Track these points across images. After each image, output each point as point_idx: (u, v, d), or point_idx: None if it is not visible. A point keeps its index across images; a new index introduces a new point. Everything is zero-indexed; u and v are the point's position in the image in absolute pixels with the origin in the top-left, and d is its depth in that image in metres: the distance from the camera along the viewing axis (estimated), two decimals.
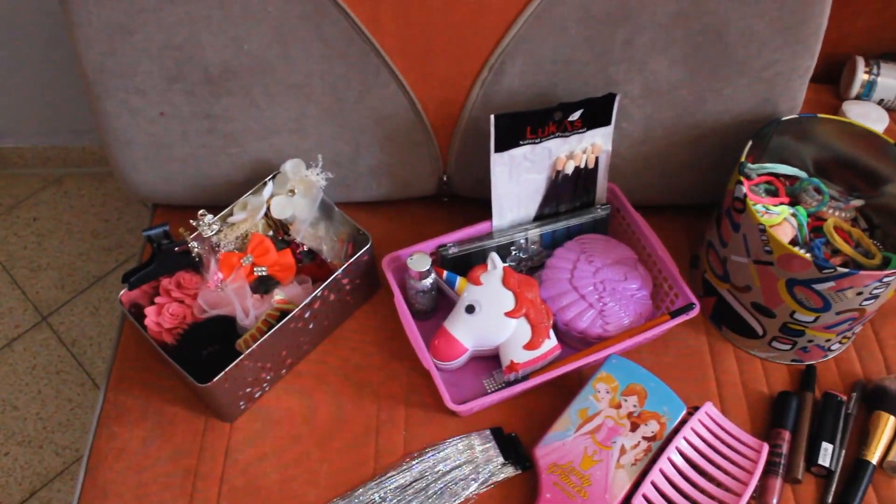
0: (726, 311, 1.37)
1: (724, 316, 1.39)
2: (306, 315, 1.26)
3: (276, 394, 1.31)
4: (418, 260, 1.28)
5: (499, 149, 1.28)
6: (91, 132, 2.12)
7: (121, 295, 1.27)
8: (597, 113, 1.29)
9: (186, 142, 1.37)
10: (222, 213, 1.34)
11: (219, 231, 1.32)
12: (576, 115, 1.28)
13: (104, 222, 2.16)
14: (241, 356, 1.19)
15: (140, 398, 1.32)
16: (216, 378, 1.17)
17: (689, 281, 1.35)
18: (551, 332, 1.29)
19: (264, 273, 1.30)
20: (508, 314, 1.28)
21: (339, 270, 1.27)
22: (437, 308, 1.38)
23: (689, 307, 1.29)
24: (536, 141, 1.29)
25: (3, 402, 1.92)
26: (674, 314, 1.29)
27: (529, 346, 1.27)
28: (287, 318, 1.23)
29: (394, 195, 1.48)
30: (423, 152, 1.40)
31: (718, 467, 1.20)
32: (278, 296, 1.26)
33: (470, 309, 1.28)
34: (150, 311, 1.28)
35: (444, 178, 1.45)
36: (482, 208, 1.42)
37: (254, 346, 1.20)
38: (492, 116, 1.23)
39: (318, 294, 1.26)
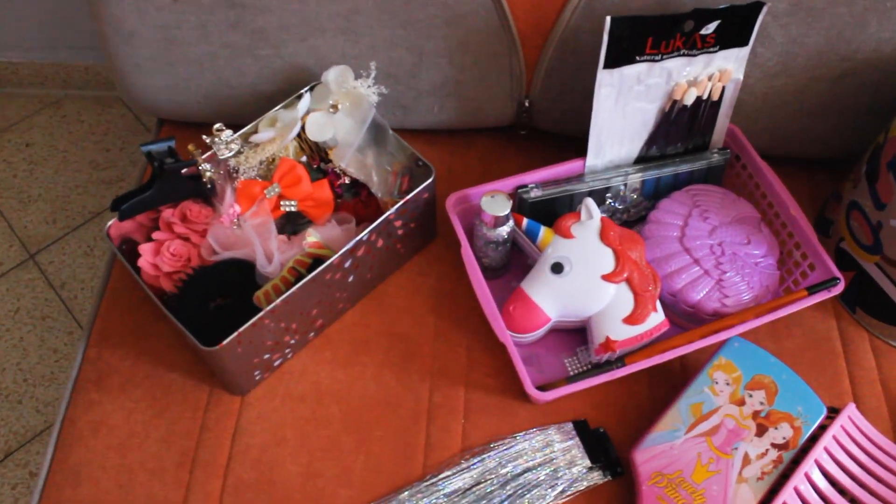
0: (868, 289, 1.05)
1: (862, 296, 1.07)
2: (346, 264, 0.95)
3: (301, 362, 1.00)
4: (496, 201, 0.96)
5: (609, 64, 0.96)
6: (96, 49, 1.79)
7: (108, 226, 0.96)
8: (735, 28, 0.97)
9: (204, 37, 1.05)
10: (244, 130, 1.02)
11: (238, 152, 1.01)
12: (711, 28, 0.96)
13: (105, 152, 1.85)
14: (260, 313, 0.88)
15: (128, 359, 1.01)
16: (226, 340, 0.86)
17: None
18: (658, 304, 0.98)
19: (294, 208, 0.99)
20: (606, 277, 0.97)
21: (392, 209, 0.96)
22: (508, 265, 1.07)
23: (832, 282, 0.98)
24: (657, 58, 0.97)
25: None
26: (812, 289, 0.98)
27: (631, 320, 0.96)
28: (322, 268, 0.91)
29: (460, 122, 1.15)
30: (503, 68, 1.08)
31: (868, 489, 0.90)
32: (311, 238, 0.95)
33: (557, 268, 0.97)
34: (145, 250, 0.98)
35: (526, 104, 1.12)
36: (566, 147, 1.10)
37: (277, 302, 0.89)
38: (607, 18, 0.91)
39: (364, 238, 0.94)
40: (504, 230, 0.98)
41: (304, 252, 0.95)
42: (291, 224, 1.03)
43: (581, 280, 0.97)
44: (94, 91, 1.92)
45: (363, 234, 0.94)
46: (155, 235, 0.99)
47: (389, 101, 1.09)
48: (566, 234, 0.98)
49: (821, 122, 1.12)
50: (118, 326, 1.04)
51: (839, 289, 0.99)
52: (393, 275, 1.07)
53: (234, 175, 1.01)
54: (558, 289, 0.97)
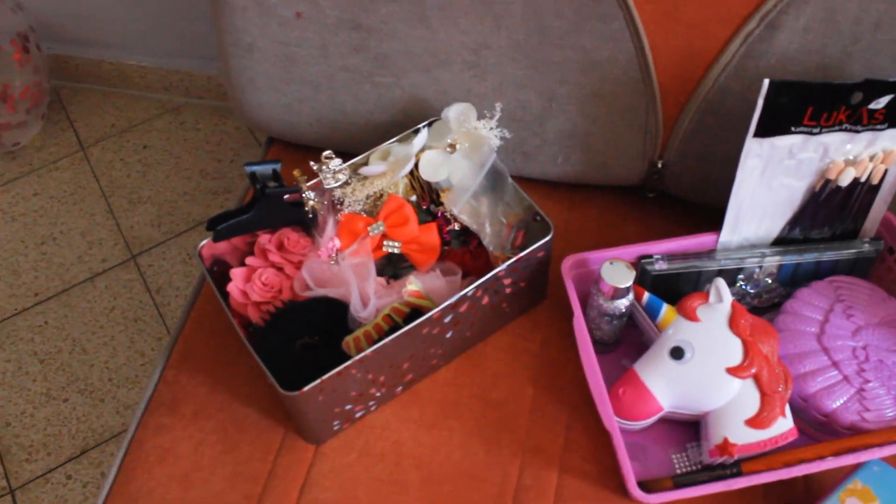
0: None
1: None
2: (446, 320, 0.83)
3: (384, 417, 0.88)
4: (618, 271, 0.82)
5: (761, 132, 0.81)
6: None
7: (201, 246, 0.86)
8: None
9: (324, 58, 0.95)
10: (354, 161, 0.92)
11: (345, 183, 0.90)
12: (882, 102, 0.80)
13: (216, 162, 1.79)
14: (348, 362, 0.77)
15: (204, 386, 0.91)
16: (308, 387, 0.75)
17: None
18: (787, 409, 0.82)
19: (397, 250, 0.88)
20: (732, 371, 0.81)
21: (504, 266, 0.83)
22: (619, 341, 0.92)
23: None
24: (815, 130, 0.82)
25: (73, 343, 1.56)
26: None
27: (755, 423, 0.80)
28: (420, 321, 0.79)
29: (583, 177, 1.02)
30: (638, 123, 0.94)
31: None
32: (412, 286, 0.83)
33: (677, 353, 0.82)
34: (236, 275, 0.88)
35: (659, 165, 0.98)
36: (696, 217, 0.96)
37: (367, 351, 0.77)
38: (765, 81, 0.77)
39: (469, 294, 0.82)
40: (623, 303, 0.84)
41: (402, 300, 0.83)
42: (392, 267, 0.91)
43: (703, 370, 0.82)
44: (213, 101, 1.86)
45: (469, 290, 0.81)
46: (248, 261, 0.89)
47: (510, 145, 0.97)
48: (691, 317, 0.83)
49: None
50: (200, 350, 0.94)
51: None
52: (494, 335, 0.93)
53: (339, 207, 0.90)
54: (676, 376, 0.82)
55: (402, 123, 0.97)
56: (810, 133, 0.83)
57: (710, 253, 0.90)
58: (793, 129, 0.82)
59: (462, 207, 0.88)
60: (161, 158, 1.80)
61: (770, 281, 0.92)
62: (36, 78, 1.73)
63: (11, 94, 1.71)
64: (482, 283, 0.82)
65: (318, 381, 0.75)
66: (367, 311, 0.82)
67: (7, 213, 1.74)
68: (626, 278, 0.82)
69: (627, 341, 0.92)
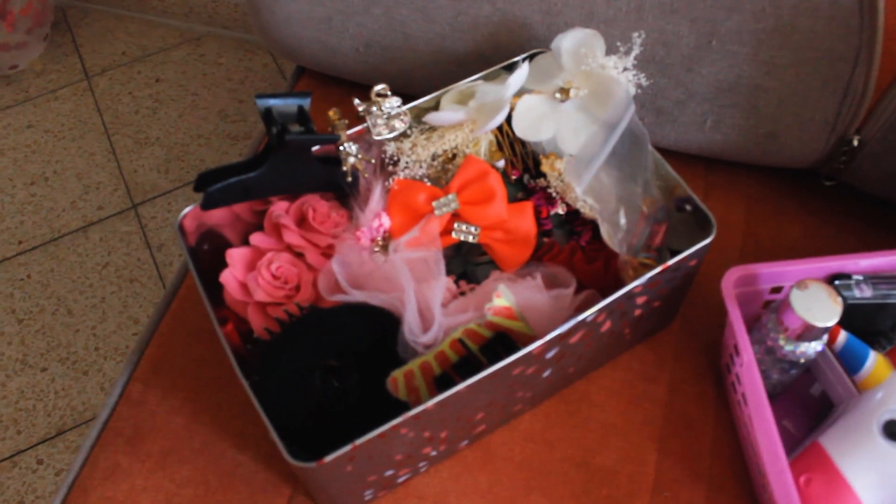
0: None
1: None
2: (550, 354, 0.51)
3: (437, 483, 0.57)
4: (816, 299, 0.50)
5: None
6: None
7: (182, 216, 0.55)
8: None
9: None
10: (419, 102, 0.60)
11: (404, 134, 0.59)
12: None
13: (238, 103, 1.46)
14: (400, 418, 0.46)
15: (182, 414, 0.60)
16: (331, 456, 0.44)
17: None
18: None
19: (473, 238, 0.56)
20: None
21: (645, 278, 0.51)
22: (785, 392, 0.60)
23: None
24: None
25: (58, 302, 1.27)
26: None
27: None
28: (515, 357, 0.48)
29: (739, 151, 0.68)
30: (837, 77, 0.61)
31: None
32: (501, 301, 0.51)
33: (893, 430, 0.51)
34: (235, 259, 0.57)
35: (854, 142, 0.65)
36: (893, 223, 0.64)
37: (429, 404, 0.46)
38: None
39: (589, 319, 0.50)
40: (814, 347, 0.53)
41: (482, 319, 0.51)
42: (462, 261, 0.60)
43: None
44: (239, 33, 1.54)
45: (590, 312, 0.50)
46: (254, 239, 0.58)
47: (640, 98, 0.64)
48: None
49: None
50: (179, 359, 0.63)
51: None
52: (601, 368, 0.62)
53: (391, 169, 0.59)
54: (891, 466, 0.51)
55: (490, 56, 0.64)
56: None
57: None
58: None
59: (579, 185, 0.57)
60: (175, 94, 1.48)
61: None
62: None
63: (11, 9, 1.40)
64: (610, 303, 0.50)
65: (347, 447, 0.44)
66: (430, 336, 0.51)
67: None
68: (828, 313, 0.50)
69: (793, 394, 0.60)
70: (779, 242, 0.60)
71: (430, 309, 0.51)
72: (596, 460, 0.57)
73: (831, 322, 0.50)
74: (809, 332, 0.51)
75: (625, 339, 0.59)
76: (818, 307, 0.51)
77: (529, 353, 0.48)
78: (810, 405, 0.59)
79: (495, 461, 0.57)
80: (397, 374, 0.50)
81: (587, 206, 0.55)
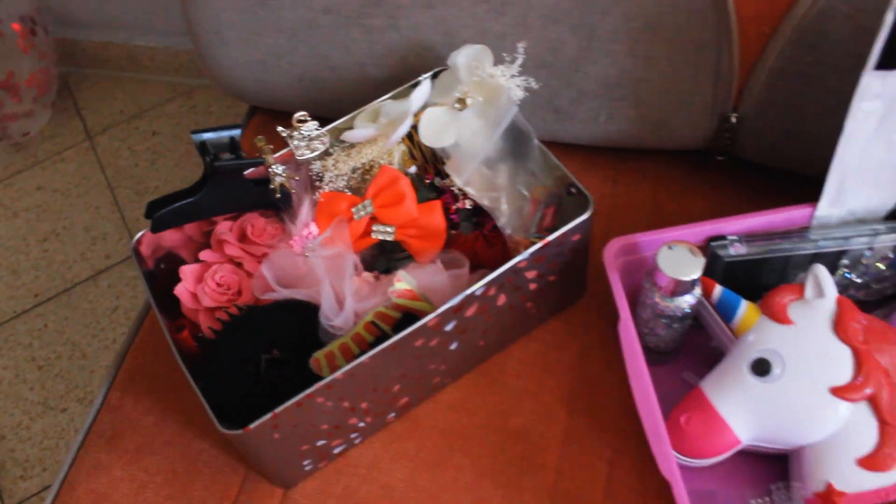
0: None
1: None
2: (448, 327, 0.60)
3: (371, 452, 0.66)
4: (679, 257, 0.59)
5: (886, 62, 0.57)
6: None
7: (136, 239, 0.66)
8: None
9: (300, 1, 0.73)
10: (336, 124, 0.70)
11: (326, 153, 0.69)
12: None
13: None
14: (312, 388, 0.55)
15: (152, 414, 0.71)
16: (255, 424, 0.54)
17: None
18: None
19: (390, 237, 0.66)
20: (838, 391, 0.57)
21: (525, 254, 0.60)
22: (679, 349, 0.69)
23: None
24: None
25: (73, 347, 1.39)
26: None
27: (870, 463, 0.57)
28: (411, 330, 0.57)
29: (634, 139, 0.78)
30: (706, 65, 0.70)
31: None
32: (402, 284, 0.61)
33: (761, 367, 0.59)
34: (186, 274, 0.67)
35: (733, 119, 0.74)
36: (781, 187, 0.72)
37: (337, 374, 0.56)
38: None
39: (478, 293, 0.59)
40: (687, 301, 0.61)
41: (389, 303, 0.61)
42: (385, 258, 0.70)
43: (797, 390, 0.58)
44: None
45: (476, 287, 0.59)
46: (203, 255, 0.68)
47: (538, 100, 0.73)
48: (780, 318, 0.60)
49: None
50: (149, 369, 0.73)
51: None
52: (516, 343, 0.70)
53: (318, 184, 0.69)
54: (760, 399, 0.59)
55: (402, 77, 0.74)
56: None
57: (802, 232, 0.66)
58: None
59: (471, 178, 0.66)
60: (171, 145, 1.62)
61: (883, 267, 0.67)
62: (42, 64, 1.56)
63: (16, 82, 1.54)
64: (495, 278, 0.59)
65: (268, 415, 0.54)
66: (343, 318, 0.60)
67: (10, 208, 1.57)
68: (691, 268, 0.58)
69: (689, 349, 0.68)
70: (686, 217, 0.68)
71: (342, 296, 0.60)
72: (511, 422, 0.66)
73: (694, 275, 0.58)
74: (680, 287, 0.60)
75: (531, 313, 0.68)
76: (682, 264, 0.59)
77: (425, 325, 0.57)
78: (710, 358, 0.66)
79: (421, 430, 0.66)
80: (319, 356, 0.60)
81: (471, 195, 0.64)
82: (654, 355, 0.67)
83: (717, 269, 0.65)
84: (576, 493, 0.63)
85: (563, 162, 0.66)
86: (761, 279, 0.66)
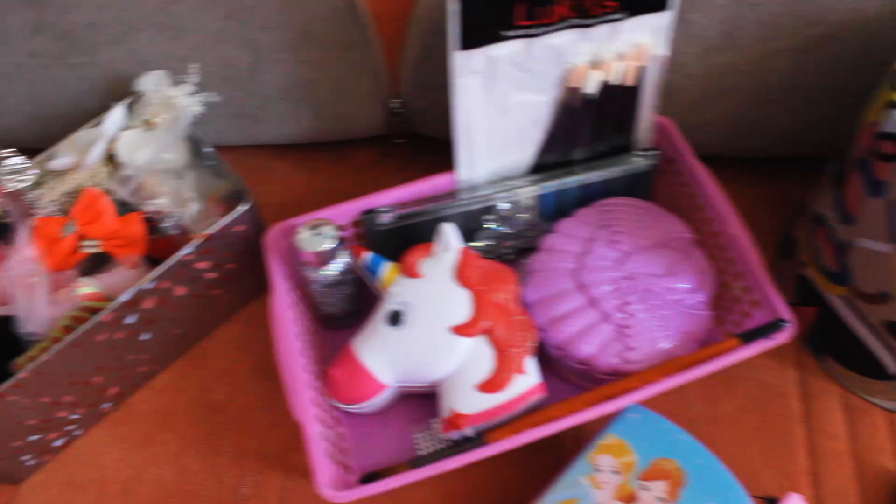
0: (836, 331, 0.73)
1: (830, 339, 0.75)
2: (129, 320, 0.70)
3: (90, 442, 0.75)
4: (312, 234, 0.69)
5: (468, 43, 0.67)
6: None
7: None
8: None
9: (6, 45, 0.82)
10: (39, 157, 0.79)
11: (39, 183, 0.78)
12: None
13: None
14: (0, 387, 0.64)
15: None
16: None
17: (777, 279, 0.71)
18: (530, 363, 0.68)
19: (97, 249, 0.75)
20: (457, 329, 0.68)
21: (187, 249, 0.70)
22: (361, 311, 0.78)
23: (776, 326, 0.67)
24: (535, 31, 0.68)
25: None
26: (747, 337, 0.67)
27: (487, 387, 0.67)
28: (87, 327, 0.67)
29: (322, 133, 0.88)
30: (359, 59, 0.80)
31: None
32: (85, 288, 0.70)
33: (394, 318, 0.69)
34: None
35: (397, 105, 0.84)
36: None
37: (21, 373, 0.65)
38: None
39: (149, 287, 0.69)
40: (332, 269, 0.71)
41: (79, 307, 0.70)
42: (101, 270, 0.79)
43: (423, 333, 0.68)
44: None
45: (145, 281, 0.69)
46: None
47: (232, 111, 0.83)
48: (411, 273, 0.70)
49: (781, 109, 0.80)
50: None
51: (786, 335, 0.67)
52: (220, 328, 0.81)
53: (34, 210, 0.78)
54: (393, 345, 0.69)
55: (109, 107, 0.84)
56: (531, 35, 0.68)
57: (451, 196, 0.77)
58: (505, 33, 0.68)
59: (163, 189, 0.76)
60: None
61: (529, 217, 0.78)
62: None
63: None
64: (165, 272, 0.69)
65: None
66: (36, 325, 0.69)
67: None
68: (320, 241, 0.68)
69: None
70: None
71: (33, 306, 0.70)
72: (212, 397, 0.76)
73: (324, 247, 0.68)
74: (321, 257, 0.69)
75: (223, 299, 0.78)
76: (312, 239, 0.68)
77: (101, 321, 0.67)
78: None
79: (136, 414, 0.76)
80: (22, 360, 0.69)
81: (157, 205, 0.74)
82: (336, 322, 0.78)
83: (372, 238, 0.75)
84: (265, 450, 0.73)
85: (271, 162, 0.76)
86: (418, 242, 0.76)
